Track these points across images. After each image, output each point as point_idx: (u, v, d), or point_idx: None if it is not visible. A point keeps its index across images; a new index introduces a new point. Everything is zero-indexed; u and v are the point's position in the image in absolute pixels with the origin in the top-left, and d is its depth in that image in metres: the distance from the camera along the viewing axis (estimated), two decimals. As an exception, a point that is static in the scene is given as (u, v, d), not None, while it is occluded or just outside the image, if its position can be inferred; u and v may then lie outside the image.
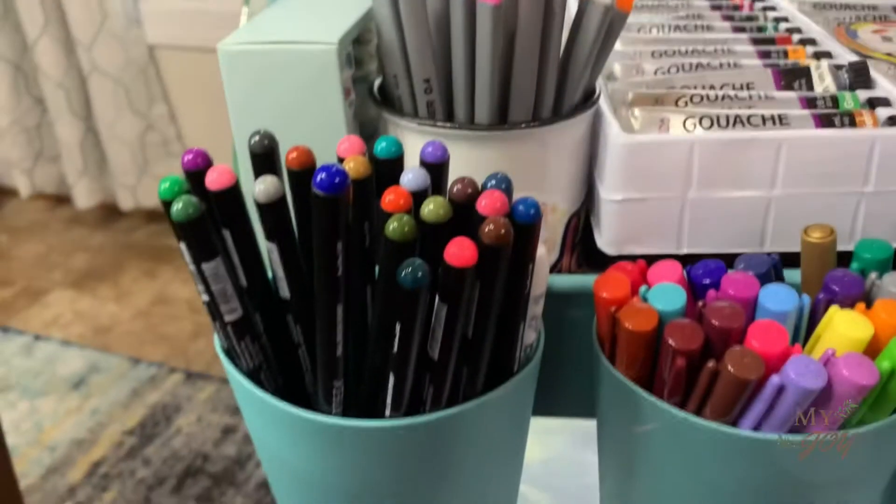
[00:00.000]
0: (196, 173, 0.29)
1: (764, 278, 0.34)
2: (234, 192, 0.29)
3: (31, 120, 1.85)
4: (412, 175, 0.29)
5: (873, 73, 0.42)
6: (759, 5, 0.55)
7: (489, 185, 0.31)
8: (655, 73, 0.45)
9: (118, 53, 1.69)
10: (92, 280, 1.79)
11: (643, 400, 0.33)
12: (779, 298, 0.32)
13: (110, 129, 1.77)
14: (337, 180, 0.26)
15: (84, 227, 1.97)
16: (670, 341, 0.31)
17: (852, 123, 0.37)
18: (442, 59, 0.37)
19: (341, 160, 0.30)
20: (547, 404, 0.42)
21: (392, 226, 0.26)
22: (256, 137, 0.30)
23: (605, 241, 0.39)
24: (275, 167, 0.30)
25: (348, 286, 0.29)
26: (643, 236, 0.38)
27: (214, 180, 0.29)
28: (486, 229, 0.26)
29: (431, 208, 0.27)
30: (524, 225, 0.29)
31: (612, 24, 0.37)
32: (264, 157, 0.29)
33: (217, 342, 0.34)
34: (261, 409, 0.33)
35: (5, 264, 1.84)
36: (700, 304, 0.32)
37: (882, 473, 0.35)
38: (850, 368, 0.29)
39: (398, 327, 0.27)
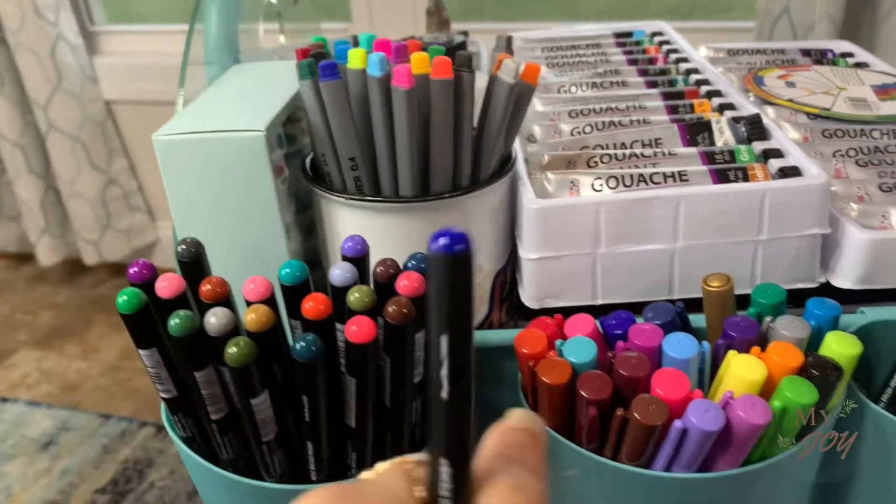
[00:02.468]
0: (145, 284, 0.32)
1: (670, 326, 0.37)
2: (183, 299, 0.32)
3: (-10, 180, 1.85)
4: (340, 271, 0.32)
5: (770, 123, 0.46)
6: (673, 57, 0.59)
7: (409, 265, 0.33)
8: (572, 132, 0.48)
9: (75, 111, 1.71)
10: (58, 338, 1.78)
11: (564, 447, 0.35)
12: (681, 346, 0.34)
13: (70, 185, 1.78)
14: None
15: (48, 285, 1.96)
16: (582, 392, 0.33)
17: (745, 178, 0.40)
18: (365, 138, 0.39)
19: (249, 303, 0.32)
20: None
21: (231, 350, 0.29)
22: (183, 246, 0.32)
23: (528, 296, 0.41)
24: (203, 272, 0.33)
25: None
26: (561, 291, 0.41)
27: (164, 288, 0.32)
28: (390, 309, 0.29)
29: (357, 296, 0.30)
30: None
31: (521, 97, 0.40)
32: (192, 265, 0.32)
33: (166, 419, 0.36)
34: (214, 481, 0.35)
35: (-31, 326, 1.83)
36: (610, 354, 0.35)
37: (786, 499, 0.38)
38: (745, 410, 0.32)
39: (304, 399, 0.29)
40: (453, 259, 0.17)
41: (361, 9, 1.52)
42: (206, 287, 0.32)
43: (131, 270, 0.32)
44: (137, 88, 1.71)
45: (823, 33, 1.16)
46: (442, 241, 0.17)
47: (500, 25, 1.54)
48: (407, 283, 0.31)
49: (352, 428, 0.32)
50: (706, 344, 0.35)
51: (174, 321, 0.30)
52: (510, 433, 0.21)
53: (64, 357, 1.73)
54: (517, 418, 0.22)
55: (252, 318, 0.30)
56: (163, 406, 0.36)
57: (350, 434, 0.32)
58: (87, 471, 1.43)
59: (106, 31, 1.77)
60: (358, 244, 0.34)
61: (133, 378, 1.66)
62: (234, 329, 0.30)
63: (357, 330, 0.28)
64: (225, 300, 0.33)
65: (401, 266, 0.33)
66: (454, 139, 0.39)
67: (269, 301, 0.32)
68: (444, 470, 0.18)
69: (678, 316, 0.37)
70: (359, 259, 0.34)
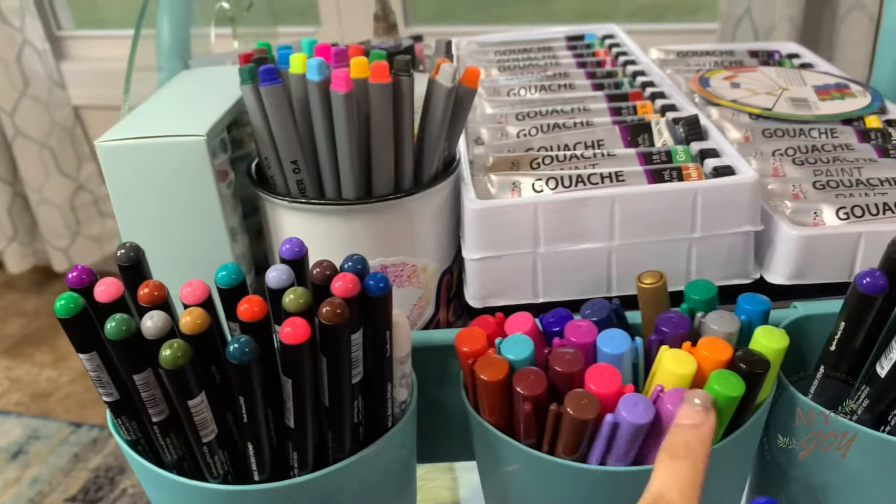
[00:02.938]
0: (84, 289, 0.32)
1: (605, 323, 0.37)
2: (121, 303, 0.32)
3: (-42, 188, 1.83)
4: (276, 273, 0.32)
5: (708, 124, 0.47)
6: (622, 59, 0.60)
7: (346, 266, 0.34)
8: (518, 135, 0.49)
9: (42, 117, 1.70)
10: (28, 346, 1.77)
11: (504, 443, 0.36)
12: (614, 342, 0.35)
13: (38, 192, 1.76)
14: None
15: (17, 293, 1.95)
16: (518, 388, 0.34)
17: (680, 177, 0.41)
18: (307, 141, 0.40)
19: (186, 306, 0.32)
20: (435, 451, 0.45)
21: (165, 352, 0.29)
22: (122, 250, 0.33)
23: (471, 295, 0.42)
24: (143, 276, 0.33)
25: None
26: (503, 290, 0.41)
27: (102, 293, 0.32)
28: (324, 310, 0.29)
29: (292, 298, 0.30)
30: (376, 297, 0.32)
31: (462, 100, 0.41)
32: (131, 269, 0.32)
33: (111, 423, 0.37)
34: (158, 483, 0.36)
35: (-63, 336, 1.81)
36: (546, 351, 0.36)
37: (725, 492, 0.39)
38: (673, 403, 0.33)
39: (241, 400, 0.30)
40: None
41: (330, 12, 1.52)
42: (143, 291, 0.33)
43: (70, 275, 0.33)
44: (106, 93, 1.70)
45: (784, 34, 1.18)
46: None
47: (472, 28, 1.55)
48: (341, 285, 0.31)
49: (291, 428, 0.32)
50: (639, 340, 0.36)
51: (110, 325, 0.30)
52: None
53: (34, 365, 1.71)
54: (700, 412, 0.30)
55: (187, 320, 0.30)
56: (107, 410, 0.37)
57: (290, 434, 0.32)
58: (57, 479, 1.42)
59: (73, 37, 1.76)
60: (295, 246, 0.34)
61: (104, 385, 1.64)
62: (171, 332, 0.31)
63: (291, 331, 0.29)
64: (163, 303, 0.33)
65: (338, 268, 0.34)
66: (395, 142, 0.39)
67: (207, 304, 0.33)
68: None
69: (614, 313, 0.38)
70: (297, 261, 0.35)
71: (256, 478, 0.33)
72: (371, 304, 0.33)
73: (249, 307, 0.31)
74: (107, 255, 1.87)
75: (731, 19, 1.24)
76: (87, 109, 1.76)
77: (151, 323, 0.31)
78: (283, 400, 0.32)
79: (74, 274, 0.33)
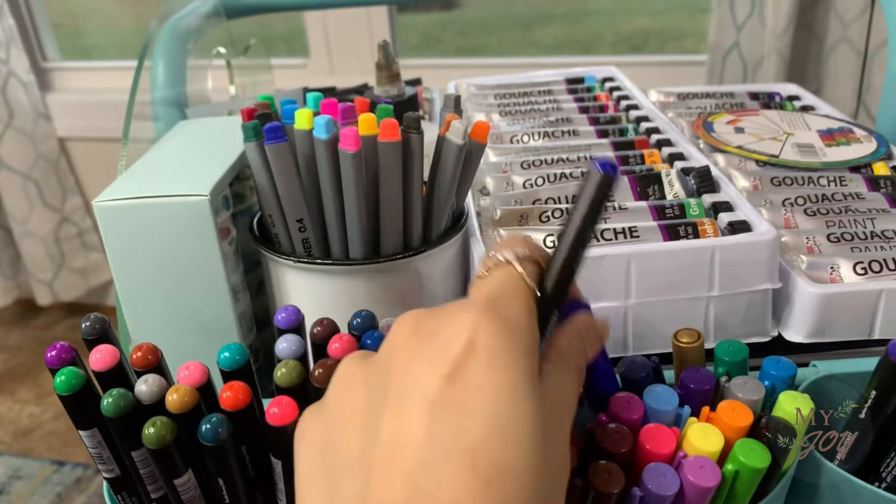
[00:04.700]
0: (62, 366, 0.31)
1: (645, 381, 0.36)
2: (119, 369, 0.31)
3: (-61, 220, 1.80)
4: (285, 345, 0.31)
5: (719, 175, 0.46)
6: (623, 104, 0.60)
7: (354, 322, 0.33)
8: (524, 185, 0.48)
9: (27, 149, 1.67)
10: (10, 381, 1.73)
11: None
12: (662, 399, 0.34)
13: (23, 225, 1.73)
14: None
15: (0, 326, 1.91)
16: None
17: (696, 233, 0.40)
18: (314, 199, 0.39)
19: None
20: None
21: (149, 430, 0.28)
22: (87, 323, 0.32)
23: (483, 356, 0.41)
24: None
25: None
26: (516, 351, 0.40)
27: (98, 360, 0.30)
28: (317, 373, 0.28)
29: (284, 372, 0.29)
30: None
31: (471, 154, 0.40)
32: (97, 343, 0.31)
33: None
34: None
35: (-84, 372, 1.76)
36: (590, 426, 0.34)
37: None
38: (694, 473, 0.32)
39: (221, 482, 0.29)
40: (607, 178, 0.23)
41: (319, 44, 1.52)
42: (136, 354, 0.31)
43: (48, 355, 0.31)
44: (92, 125, 1.69)
45: (772, 67, 1.19)
46: (601, 166, 0.23)
47: (457, 61, 1.55)
48: (339, 346, 0.30)
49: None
50: (687, 408, 0.35)
51: (106, 401, 0.29)
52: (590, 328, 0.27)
53: (16, 401, 1.67)
54: (602, 326, 0.28)
55: (173, 398, 0.29)
56: (105, 486, 0.35)
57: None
58: (39, 521, 1.38)
59: (59, 68, 1.74)
60: (291, 315, 0.33)
61: (88, 422, 1.61)
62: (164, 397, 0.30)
63: (277, 412, 0.28)
64: (156, 366, 0.32)
65: (343, 327, 0.33)
66: (404, 199, 0.38)
67: (206, 386, 0.31)
68: (553, 319, 0.25)
69: (653, 371, 0.37)
70: (295, 329, 0.33)
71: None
72: None
73: (232, 395, 0.29)
74: (91, 288, 1.84)
75: (720, 52, 1.25)
76: (72, 141, 1.74)
77: (146, 387, 0.29)
78: (275, 481, 0.31)
79: (53, 353, 0.31)
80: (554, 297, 0.25)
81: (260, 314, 0.46)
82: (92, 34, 2.02)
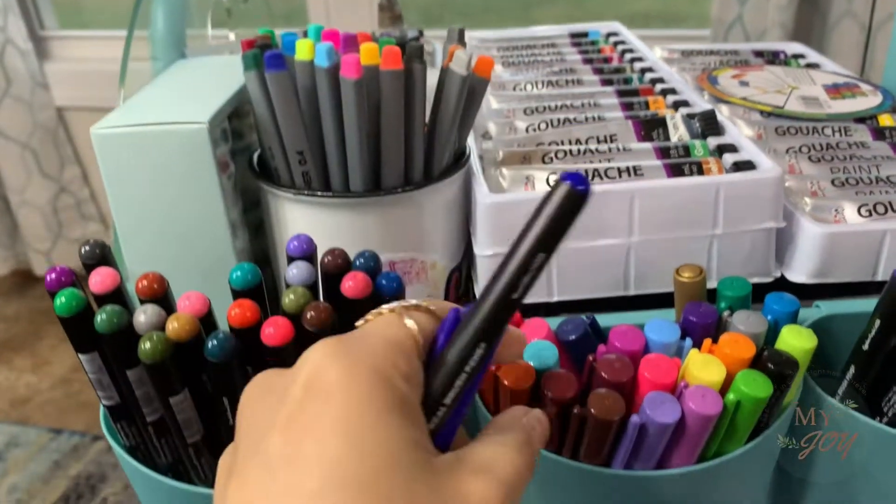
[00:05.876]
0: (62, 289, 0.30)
1: (583, 339, 0.36)
2: (119, 294, 0.30)
3: (-64, 189, 1.79)
4: (296, 271, 0.31)
5: (724, 119, 0.46)
6: (628, 56, 0.59)
7: (358, 263, 0.32)
8: (527, 130, 0.47)
9: (25, 118, 1.66)
10: (7, 351, 1.73)
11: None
12: (664, 331, 0.34)
13: (20, 194, 1.73)
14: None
15: (-3, 297, 1.91)
16: (547, 392, 0.32)
17: (700, 171, 0.40)
18: (314, 131, 0.38)
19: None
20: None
21: (144, 345, 0.28)
22: (87, 248, 0.31)
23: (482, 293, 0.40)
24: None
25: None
26: (516, 288, 0.40)
27: (98, 283, 0.30)
28: (308, 315, 0.28)
29: (292, 298, 0.29)
30: (390, 299, 0.30)
31: (474, 90, 0.39)
32: (96, 268, 0.31)
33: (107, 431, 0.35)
34: (149, 485, 0.34)
35: (-87, 340, 1.76)
36: (590, 358, 0.34)
37: (750, 495, 0.38)
38: (695, 401, 0.31)
39: (225, 401, 0.28)
40: (575, 194, 0.20)
41: (319, 14, 1.50)
42: (142, 283, 0.31)
43: (48, 277, 0.31)
44: (90, 95, 1.67)
45: (775, 40, 1.18)
46: (569, 180, 0.20)
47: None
48: (352, 285, 0.30)
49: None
50: (689, 340, 0.34)
51: (101, 317, 0.28)
52: (535, 420, 0.24)
53: (13, 370, 1.67)
54: (545, 419, 0.25)
55: (174, 326, 0.28)
56: (102, 415, 0.35)
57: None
58: (36, 487, 1.38)
59: (57, 37, 1.72)
60: (304, 243, 0.32)
61: (85, 391, 1.61)
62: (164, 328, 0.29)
63: (273, 332, 0.27)
64: (162, 297, 0.31)
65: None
66: (406, 132, 0.38)
67: (207, 317, 0.31)
68: (479, 352, 0.21)
69: (591, 328, 0.36)
70: (307, 258, 0.33)
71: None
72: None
73: (241, 312, 0.29)
74: (89, 259, 1.83)
75: (723, 25, 1.24)
76: (70, 111, 1.73)
77: (145, 318, 0.29)
78: None
79: (53, 276, 0.31)
80: (486, 328, 0.21)
81: (258, 255, 0.46)
82: (90, 3, 2.00)
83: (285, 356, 0.29)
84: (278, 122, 0.38)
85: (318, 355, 0.20)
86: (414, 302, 0.23)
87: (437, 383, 0.21)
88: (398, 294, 0.31)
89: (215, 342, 0.28)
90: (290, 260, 0.32)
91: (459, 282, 0.44)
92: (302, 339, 0.29)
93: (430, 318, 0.22)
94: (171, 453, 0.34)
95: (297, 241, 0.33)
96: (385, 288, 0.30)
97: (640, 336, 0.34)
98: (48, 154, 1.72)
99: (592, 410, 0.31)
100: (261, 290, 0.32)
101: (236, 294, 0.31)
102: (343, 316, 0.31)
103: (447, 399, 0.21)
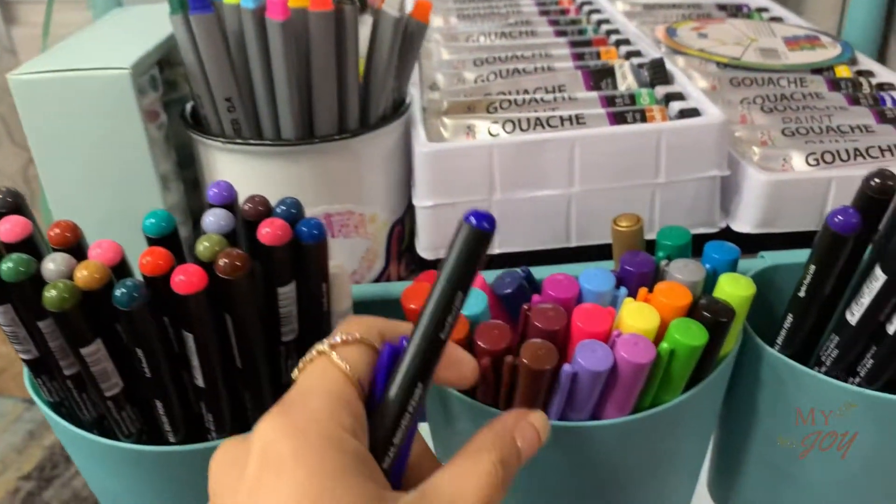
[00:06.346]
0: None
1: (518, 292, 0.35)
2: (32, 244, 0.29)
3: None
4: (213, 218, 0.29)
5: (673, 69, 0.45)
6: (586, 8, 0.58)
7: (278, 210, 0.31)
8: (475, 80, 0.46)
9: (-8, 84, 1.63)
10: (-20, 321, 1.71)
11: (458, 401, 0.33)
12: (598, 280, 0.33)
13: (-10, 162, 1.70)
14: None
15: (-30, 267, 1.88)
16: (480, 343, 0.31)
17: (643, 119, 0.39)
18: (243, 77, 0.37)
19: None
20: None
21: (50, 293, 0.26)
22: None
23: (422, 246, 0.40)
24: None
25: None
26: (456, 240, 0.39)
27: (7, 231, 0.29)
28: (221, 263, 0.26)
29: (207, 245, 0.27)
30: (310, 246, 0.29)
31: (412, 35, 0.38)
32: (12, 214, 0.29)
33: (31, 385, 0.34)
34: (74, 441, 0.33)
35: None
36: (525, 307, 0.33)
37: (689, 447, 0.37)
38: (627, 349, 0.30)
39: (140, 352, 0.27)
40: (477, 233, 0.21)
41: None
42: (54, 231, 0.30)
43: None
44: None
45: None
46: (474, 219, 0.21)
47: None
48: (269, 231, 0.28)
49: (202, 388, 0.29)
50: (623, 289, 0.33)
51: (6, 265, 0.27)
52: (527, 426, 0.25)
53: (-14, 341, 1.66)
54: (541, 423, 0.26)
55: (82, 274, 0.27)
56: (25, 372, 0.34)
57: (202, 394, 0.30)
58: (10, 457, 1.38)
59: (25, 1, 1.68)
60: (224, 190, 0.31)
61: (60, 361, 1.60)
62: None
63: (184, 279, 0.26)
64: (75, 246, 0.30)
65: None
66: (338, 77, 0.36)
67: (121, 266, 0.30)
68: (417, 391, 0.22)
69: (526, 280, 0.36)
70: (228, 207, 0.32)
71: (172, 439, 0.31)
72: (304, 254, 0.30)
73: (153, 260, 0.28)
74: (63, 229, 1.81)
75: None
76: (39, 76, 1.69)
77: (54, 266, 0.27)
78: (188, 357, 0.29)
79: None
80: (420, 370, 0.22)
81: (197, 212, 0.45)
82: (60, -32, 1.95)
83: (197, 305, 0.28)
84: (205, 68, 0.37)
85: (266, 428, 0.20)
86: (341, 338, 0.23)
87: (384, 425, 0.22)
88: (319, 242, 0.30)
89: (123, 290, 0.27)
90: (209, 207, 0.31)
91: (402, 235, 0.43)
92: (217, 289, 0.28)
93: (362, 350, 0.23)
94: (94, 408, 0.33)
95: (216, 189, 0.31)
96: (305, 235, 0.29)
97: (574, 284, 0.33)
98: (18, 121, 1.69)
99: (525, 360, 0.31)
100: (176, 238, 0.30)
101: (151, 242, 0.30)
102: (263, 264, 0.30)
103: (396, 439, 0.22)
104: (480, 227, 0.21)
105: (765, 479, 0.40)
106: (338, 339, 0.23)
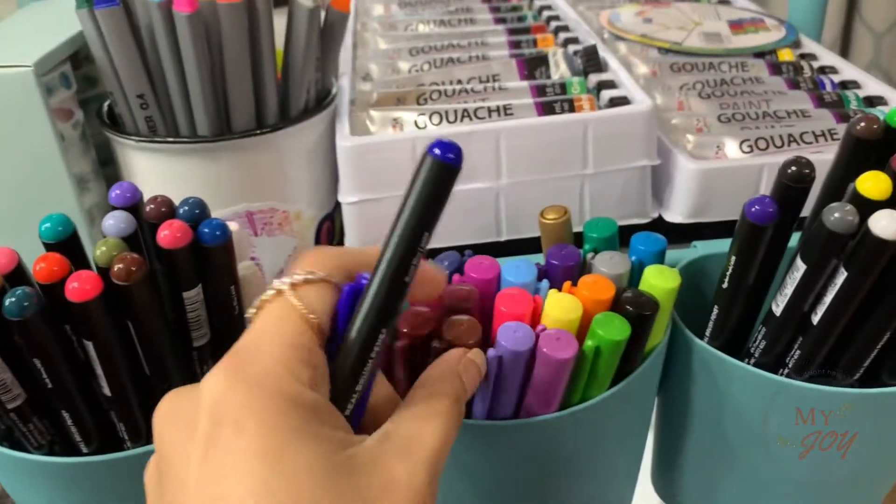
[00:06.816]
0: None
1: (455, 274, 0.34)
2: None
3: None
4: (113, 221, 0.28)
5: (609, 56, 0.44)
6: (530, -5, 0.57)
7: (180, 212, 0.30)
8: (409, 70, 0.45)
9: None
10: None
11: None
12: (520, 271, 0.32)
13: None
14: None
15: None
16: (403, 328, 0.30)
17: (571, 109, 0.38)
18: (156, 73, 0.36)
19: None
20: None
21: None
22: None
23: (351, 243, 0.39)
24: None
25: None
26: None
27: None
28: (115, 268, 0.25)
29: (104, 250, 0.26)
30: (212, 248, 0.28)
31: (333, 25, 0.37)
32: None
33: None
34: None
35: None
36: (440, 292, 0.32)
37: (619, 443, 0.36)
38: (549, 345, 0.30)
39: (38, 363, 0.26)
40: (443, 165, 0.19)
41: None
42: None
43: None
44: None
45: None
46: (438, 150, 0.19)
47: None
48: (168, 234, 0.27)
49: (109, 396, 0.28)
50: (546, 281, 0.33)
51: None
52: (469, 363, 0.25)
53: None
54: (480, 358, 0.26)
55: None
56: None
57: (110, 403, 0.29)
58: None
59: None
60: (127, 192, 0.30)
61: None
62: None
63: (77, 287, 0.25)
64: None
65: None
66: (254, 70, 0.35)
67: (15, 273, 0.28)
68: (380, 336, 0.21)
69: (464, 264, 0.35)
70: (132, 208, 0.30)
71: (84, 449, 0.30)
72: (207, 257, 0.29)
73: (47, 266, 0.26)
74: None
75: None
76: None
77: None
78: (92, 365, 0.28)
79: None
80: (383, 315, 0.21)
81: (125, 211, 0.43)
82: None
83: (94, 313, 0.27)
84: (115, 64, 0.35)
85: (216, 382, 0.19)
86: (301, 276, 0.21)
87: (345, 371, 0.21)
88: (224, 244, 0.29)
89: (13, 299, 0.26)
90: (114, 210, 0.30)
91: (332, 232, 0.41)
92: (114, 295, 0.27)
93: (324, 290, 0.21)
94: (0, 420, 0.32)
95: (118, 190, 0.30)
96: (207, 236, 0.28)
97: (495, 266, 0.32)
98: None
99: (448, 337, 0.30)
100: (76, 242, 0.29)
101: (49, 248, 0.29)
102: (166, 268, 0.29)
103: (358, 385, 0.21)
104: (446, 160, 0.20)
105: (705, 470, 0.39)
106: (298, 277, 0.21)
